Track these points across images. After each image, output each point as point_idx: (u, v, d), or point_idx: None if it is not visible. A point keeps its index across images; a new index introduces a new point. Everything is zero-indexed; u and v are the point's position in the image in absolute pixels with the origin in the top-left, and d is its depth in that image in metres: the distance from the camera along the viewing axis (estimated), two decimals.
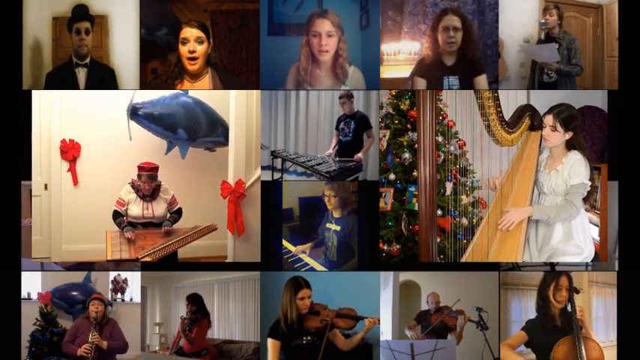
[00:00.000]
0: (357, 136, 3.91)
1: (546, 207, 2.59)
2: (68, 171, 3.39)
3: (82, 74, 3.47)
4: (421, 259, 2.63)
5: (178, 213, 3.31)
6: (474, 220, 3.07)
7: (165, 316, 3.82)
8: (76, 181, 3.40)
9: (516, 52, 3.61)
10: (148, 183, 3.08)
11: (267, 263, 3.30)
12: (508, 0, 3.55)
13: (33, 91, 3.04)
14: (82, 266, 3.41)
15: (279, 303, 2.99)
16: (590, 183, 2.55)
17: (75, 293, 3.42)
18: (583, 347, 2.92)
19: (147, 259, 2.91)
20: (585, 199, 2.56)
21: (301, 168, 4.11)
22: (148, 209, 3.15)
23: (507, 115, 2.68)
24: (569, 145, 2.61)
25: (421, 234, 2.61)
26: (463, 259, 2.61)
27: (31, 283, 3.40)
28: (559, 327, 3.01)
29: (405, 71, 3.55)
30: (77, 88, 3.47)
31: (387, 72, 3.61)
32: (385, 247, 3.04)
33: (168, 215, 3.28)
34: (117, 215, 3.20)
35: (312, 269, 3.35)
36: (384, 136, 3.41)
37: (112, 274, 3.52)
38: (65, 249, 3.39)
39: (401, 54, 3.68)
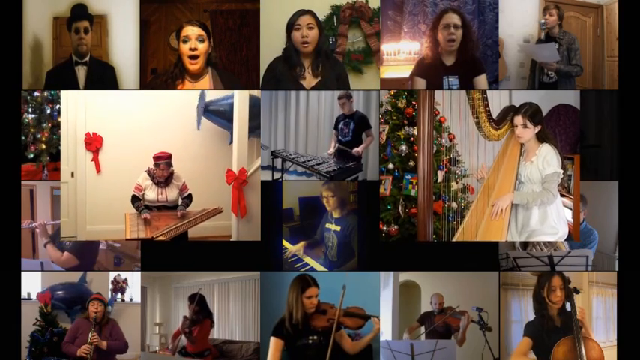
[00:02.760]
0: (356, 136, 3.92)
1: (525, 193, 2.87)
2: (92, 161, 3.74)
3: (81, 72, 3.48)
4: (419, 239, 2.92)
5: (189, 198, 3.56)
6: (463, 205, 3.39)
7: (165, 316, 3.82)
8: (98, 170, 3.75)
9: (516, 52, 3.61)
10: (165, 170, 3.40)
11: (267, 263, 3.31)
12: (508, 0, 3.55)
13: (62, 91, 3.32)
14: (81, 267, 3.43)
15: (283, 302, 2.96)
16: (562, 171, 2.84)
17: (70, 293, 3.45)
18: (583, 347, 2.92)
19: (161, 237, 3.17)
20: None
21: (301, 168, 4.11)
22: (162, 194, 3.45)
23: (494, 113, 2.98)
24: (540, 138, 2.89)
25: (419, 216, 2.91)
26: (455, 239, 2.98)
27: (31, 283, 3.39)
28: (558, 327, 3.02)
29: (405, 71, 3.56)
30: (77, 85, 3.48)
31: (387, 72, 3.63)
32: (385, 228, 3.34)
33: (180, 200, 3.54)
34: (135, 200, 3.49)
35: (313, 269, 3.35)
36: (384, 130, 3.67)
37: (112, 274, 3.52)
38: (89, 229, 3.74)
39: (401, 54, 3.69)
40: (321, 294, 3.04)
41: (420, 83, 3.42)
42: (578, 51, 3.54)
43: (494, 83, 3.53)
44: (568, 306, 3.02)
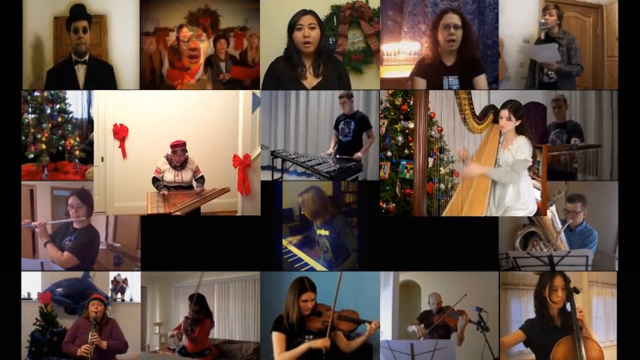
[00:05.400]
0: (356, 136, 3.92)
1: (496, 170, 3.27)
2: (119, 147, 4.20)
3: (81, 71, 3.50)
4: (414, 214, 3.32)
5: (202, 179, 3.99)
6: (449, 186, 3.83)
7: (165, 316, 3.82)
8: (124, 155, 4.22)
9: (516, 52, 3.61)
10: (182, 155, 3.90)
11: (267, 263, 3.32)
12: (508, 0, 3.55)
13: (95, 91, 3.61)
14: (81, 267, 3.45)
15: (282, 302, 3.02)
16: (532, 160, 3.24)
17: (76, 289, 3.48)
18: (583, 347, 2.93)
19: (177, 213, 3.54)
20: (529, 169, 3.28)
21: (301, 168, 4.11)
22: (178, 176, 3.94)
23: (477, 111, 3.36)
24: (518, 130, 3.24)
25: (415, 195, 3.34)
26: (443, 214, 3.41)
27: (31, 283, 3.40)
28: (558, 327, 3.03)
29: (405, 71, 3.56)
30: (77, 84, 3.51)
31: (387, 72, 3.63)
32: (384, 206, 3.69)
33: (195, 182, 4.00)
34: (155, 180, 3.95)
35: (312, 269, 3.36)
36: (383, 124, 3.93)
37: (112, 274, 3.53)
38: (117, 205, 4.23)
39: (401, 54, 3.70)
40: (320, 294, 3.06)
41: (420, 83, 3.42)
42: (578, 51, 3.54)
43: (494, 83, 3.53)
44: (568, 306, 3.03)
